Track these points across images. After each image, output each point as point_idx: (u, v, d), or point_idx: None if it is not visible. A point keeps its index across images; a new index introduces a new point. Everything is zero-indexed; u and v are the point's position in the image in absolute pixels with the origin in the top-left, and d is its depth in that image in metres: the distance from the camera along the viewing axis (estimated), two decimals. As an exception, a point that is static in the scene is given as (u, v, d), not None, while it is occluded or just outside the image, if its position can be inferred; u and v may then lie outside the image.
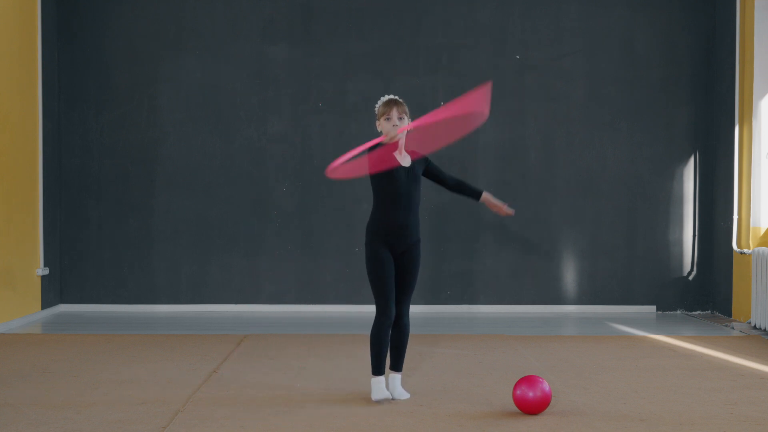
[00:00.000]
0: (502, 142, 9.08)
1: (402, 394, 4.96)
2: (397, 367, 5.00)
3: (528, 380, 4.59)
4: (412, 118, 4.97)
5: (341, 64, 9.09)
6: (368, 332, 7.40)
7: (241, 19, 9.10)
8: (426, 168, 5.01)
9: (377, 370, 4.87)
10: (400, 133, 4.86)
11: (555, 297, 9.11)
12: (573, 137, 9.12)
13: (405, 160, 4.93)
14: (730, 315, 8.58)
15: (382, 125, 4.92)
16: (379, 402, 4.86)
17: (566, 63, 9.13)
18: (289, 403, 4.84)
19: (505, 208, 5.06)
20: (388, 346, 4.93)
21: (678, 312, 9.11)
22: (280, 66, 9.09)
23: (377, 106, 4.96)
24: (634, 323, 8.26)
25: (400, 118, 4.89)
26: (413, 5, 9.13)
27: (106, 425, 4.35)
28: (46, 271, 8.58)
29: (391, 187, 4.88)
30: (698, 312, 9.09)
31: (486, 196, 5.04)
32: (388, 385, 4.98)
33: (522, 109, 9.13)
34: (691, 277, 9.12)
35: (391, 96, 4.97)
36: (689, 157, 9.12)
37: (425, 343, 6.87)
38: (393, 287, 4.89)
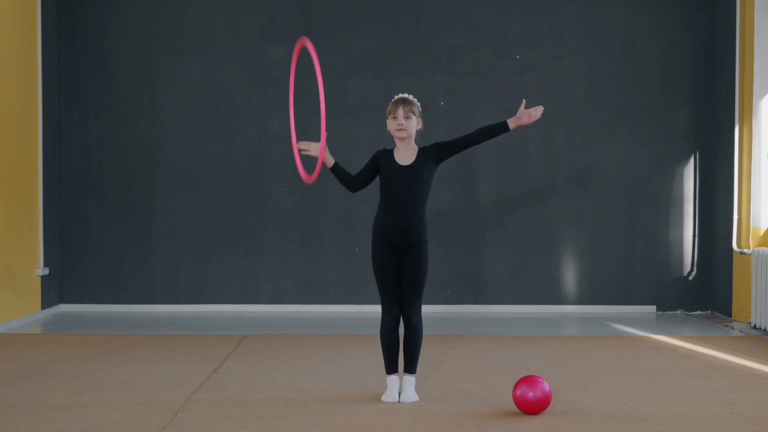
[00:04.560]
0: (503, 141, 9.05)
1: (409, 397, 4.87)
2: (408, 368, 4.91)
3: (528, 380, 4.58)
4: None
5: (341, 64, 9.09)
6: (368, 332, 7.44)
7: (241, 19, 9.11)
8: (438, 154, 4.86)
9: (387, 368, 4.90)
10: (401, 132, 4.85)
11: (555, 297, 9.11)
12: (573, 137, 9.12)
13: (406, 159, 4.87)
14: (730, 315, 8.58)
15: (389, 124, 4.89)
16: (386, 402, 4.86)
17: (566, 63, 9.13)
18: (289, 403, 4.84)
19: (534, 111, 4.83)
20: (397, 345, 4.88)
21: (678, 312, 9.10)
22: (280, 66, 9.09)
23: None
24: (634, 323, 8.26)
25: (407, 117, 4.84)
26: (413, 5, 9.13)
27: (106, 425, 4.35)
28: (46, 271, 8.58)
29: (388, 187, 4.84)
30: (698, 312, 9.09)
31: (511, 122, 4.85)
32: (400, 386, 4.94)
33: (522, 109, 9.12)
34: (691, 277, 9.12)
35: (402, 95, 4.91)
36: (689, 157, 9.12)
37: (425, 343, 6.85)
38: (394, 287, 4.83)
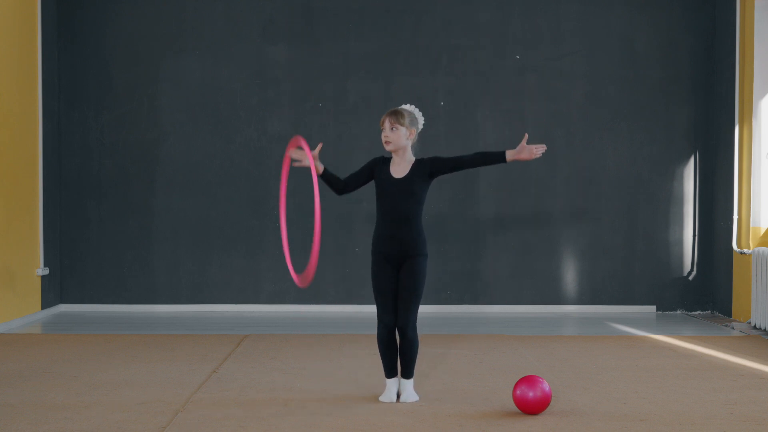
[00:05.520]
0: (502, 142, 9.06)
1: (409, 396, 4.89)
2: (405, 374, 4.92)
3: (528, 380, 4.58)
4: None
5: (341, 64, 9.09)
6: (368, 332, 7.45)
7: (241, 19, 9.11)
8: (433, 168, 4.83)
9: (386, 373, 4.92)
10: (387, 145, 4.84)
11: (555, 297, 9.11)
12: (573, 137, 9.13)
13: (400, 172, 4.85)
14: (730, 315, 8.58)
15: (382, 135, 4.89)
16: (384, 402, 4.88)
17: (566, 63, 9.13)
18: (289, 403, 4.84)
19: (535, 149, 4.76)
20: (395, 352, 4.89)
21: (678, 312, 9.10)
22: (280, 66, 9.09)
23: None
24: (634, 323, 8.26)
25: (393, 129, 4.81)
26: (413, 5, 9.13)
27: (106, 425, 4.35)
28: (46, 271, 8.58)
29: (382, 200, 4.84)
30: (698, 312, 9.09)
31: (510, 154, 4.78)
32: (399, 387, 4.96)
33: (522, 109, 9.12)
34: (691, 277, 9.12)
35: (402, 106, 4.90)
36: (689, 157, 9.12)
37: (426, 343, 6.85)
38: (388, 297, 4.82)
